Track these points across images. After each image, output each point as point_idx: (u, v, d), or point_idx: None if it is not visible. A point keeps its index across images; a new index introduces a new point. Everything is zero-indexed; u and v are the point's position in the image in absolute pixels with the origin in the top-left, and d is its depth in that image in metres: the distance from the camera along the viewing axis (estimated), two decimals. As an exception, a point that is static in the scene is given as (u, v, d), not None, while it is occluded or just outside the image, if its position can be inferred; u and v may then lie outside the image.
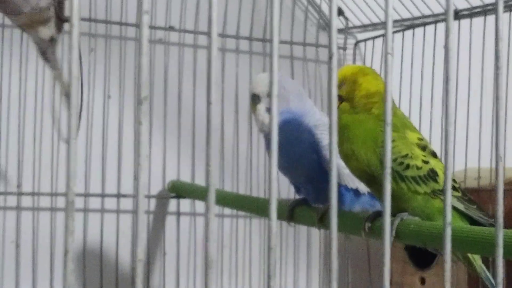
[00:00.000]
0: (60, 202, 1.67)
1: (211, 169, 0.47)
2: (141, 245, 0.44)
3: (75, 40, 0.42)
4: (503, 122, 0.50)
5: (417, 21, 1.72)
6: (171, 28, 1.78)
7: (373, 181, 1.07)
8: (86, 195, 1.69)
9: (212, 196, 0.47)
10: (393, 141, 1.06)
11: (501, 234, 0.61)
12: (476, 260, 1.11)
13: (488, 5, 1.57)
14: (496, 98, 0.50)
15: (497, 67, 0.50)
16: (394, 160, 1.05)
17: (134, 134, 1.74)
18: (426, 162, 1.07)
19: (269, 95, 1.21)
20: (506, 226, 1.22)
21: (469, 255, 1.10)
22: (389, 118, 0.48)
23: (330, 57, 0.53)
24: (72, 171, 0.43)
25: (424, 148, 1.08)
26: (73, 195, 0.43)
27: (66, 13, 1.30)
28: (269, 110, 1.23)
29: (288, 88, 1.26)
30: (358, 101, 1.09)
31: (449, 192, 0.53)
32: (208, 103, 0.47)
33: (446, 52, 0.50)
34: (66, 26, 1.34)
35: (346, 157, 1.09)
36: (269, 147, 1.25)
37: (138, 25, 1.73)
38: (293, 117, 1.24)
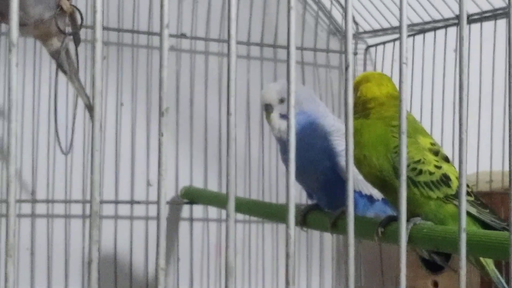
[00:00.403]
0: (75, 209, 1.68)
1: (231, 178, 0.47)
2: (162, 253, 0.45)
3: (98, 54, 0.43)
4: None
5: (427, 26, 1.73)
6: (183, 35, 1.79)
7: (386, 186, 1.08)
8: (100, 202, 1.70)
9: (232, 205, 0.48)
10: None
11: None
12: (489, 264, 1.11)
13: (498, 9, 1.58)
14: (509, 103, 0.51)
15: (509, 73, 0.51)
16: (407, 166, 1.06)
17: (146, 141, 1.75)
18: (439, 167, 1.07)
19: (282, 101, 1.23)
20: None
21: (482, 259, 1.10)
22: (404, 126, 0.49)
23: (346, 68, 0.53)
24: (96, 180, 0.44)
25: (436, 153, 1.08)
26: (97, 204, 0.44)
27: (63, 26, 1.31)
28: (283, 116, 1.25)
29: (298, 91, 1.27)
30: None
31: (463, 197, 0.54)
32: (228, 114, 0.48)
33: (460, 59, 0.51)
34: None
35: (358, 162, 1.10)
36: (284, 152, 1.27)
37: (149, 33, 1.75)
38: (308, 120, 1.25)
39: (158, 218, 0.45)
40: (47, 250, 1.66)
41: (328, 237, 1.88)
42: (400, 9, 0.49)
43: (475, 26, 1.62)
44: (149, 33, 1.75)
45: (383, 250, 1.88)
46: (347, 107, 0.49)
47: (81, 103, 1.45)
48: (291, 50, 0.50)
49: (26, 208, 1.65)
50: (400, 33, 0.48)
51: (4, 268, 0.44)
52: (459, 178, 0.60)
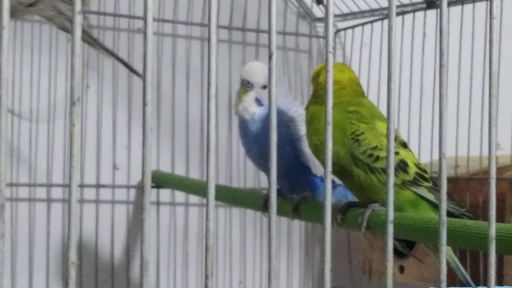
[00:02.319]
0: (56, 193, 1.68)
1: (210, 163, 0.46)
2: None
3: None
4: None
5: (396, 10, 1.71)
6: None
7: (344, 173, 1.07)
8: (65, 186, 1.69)
9: (211, 192, 0.47)
10: (362, 133, 1.06)
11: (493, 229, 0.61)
12: (448, 251, 1.11)
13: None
14: (489, 90, 0.50)
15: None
16: (363, 152, 1.06)
17: (112, 123, 1.74)
18: (396, 153, 1.07)
19: (265, 87, 1.22)
20: (484, 215, 1.22)
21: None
22: (392, 133, 0.47)
23: (327, 58, 0.52)
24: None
25: (394, 139, 1.08)
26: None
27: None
28: (257, 100, 1.24)
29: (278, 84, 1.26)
30: (319, 94, 1.10)
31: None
32: (209, 95, 0.46)
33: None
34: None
35: (316, 149, 1.09)
36: (244, 135, 1.25)
37: (116, 15, 1.73)
38: (265, 108, 1.24)
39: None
40: (29, 235, 1.66)
41: (296, 221, 1.88)
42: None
43: (456, 9, 1.61)
44: (115, 15, 1.73)
45: (351, 234, 1.88)
46: (327, 99, 0.48)
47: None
48: (272, 46, 0.48)
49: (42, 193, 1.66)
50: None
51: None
52: (439, 167, 0.58)
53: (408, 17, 1.70)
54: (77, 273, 1.40)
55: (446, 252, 1.10)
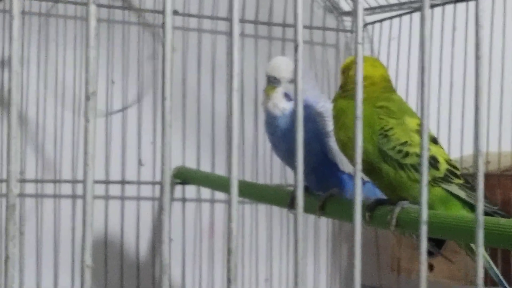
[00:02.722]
0: (64, 189, 1.67)
1: (233, 160, 0.44)
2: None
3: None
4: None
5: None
6: (175, 12, 1.76)
7: (372, 169, 1.05)
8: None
9: (234, 189, 0.45)
10: (391, 128, 1.04)
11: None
12: None
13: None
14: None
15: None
16: (392, 148, 1.03)
17: (137, 119, 1.72)
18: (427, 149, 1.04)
19: (292, 82, 1.19)
20: (508, 213, 1.19)
21: (472, 245, 1.07)
22: (426, 112, 0.45)
23: (356, 50, 0.50)
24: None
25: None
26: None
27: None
28: (286, 95, 1.22)
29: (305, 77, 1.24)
30: (348, 88, 1.08)
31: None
32: (231, 90, 0.44)
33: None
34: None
35: (343, 145, 1.07)
36: (272, 133, 1.23)
37: (142, 10, 1.71)
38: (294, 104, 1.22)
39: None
40: (36, 231, 1.65)
41: (323, 218, 1.85)
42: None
43: (472, 4, 1.58)
44: (141, 10, 1.72)
45: (380, 232, 1.85)
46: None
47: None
48: (298, 41, 0.46)
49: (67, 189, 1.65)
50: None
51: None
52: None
53: (438, 10, 1.67)
54: (102, 270, 1.39)
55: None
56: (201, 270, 1.79)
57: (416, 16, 1.72)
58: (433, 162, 1.04)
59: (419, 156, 1.03)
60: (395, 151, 1.03)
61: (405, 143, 1.03)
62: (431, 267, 1.66)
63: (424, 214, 0.50)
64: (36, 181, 1.64)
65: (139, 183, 1.73)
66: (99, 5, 1.67)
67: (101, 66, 1.68)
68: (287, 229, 1.84)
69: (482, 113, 0.49)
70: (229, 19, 1.76)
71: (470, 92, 1.58)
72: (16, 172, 0.40)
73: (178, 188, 1.77)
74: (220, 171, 1.78)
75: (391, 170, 1.03)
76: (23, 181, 1.62)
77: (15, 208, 0.40)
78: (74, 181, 1.67)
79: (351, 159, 1.07)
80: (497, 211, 1.06)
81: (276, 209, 1.80)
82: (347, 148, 1.06)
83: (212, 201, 1.80)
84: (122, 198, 1.72)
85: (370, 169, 1.05)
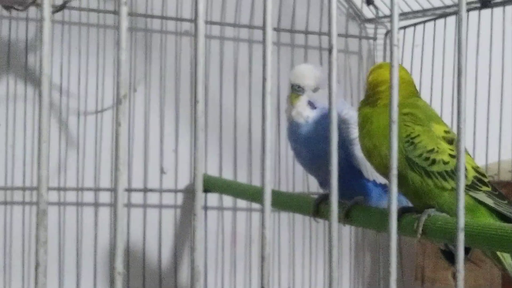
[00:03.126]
0: (87, 197, 1.67)
1: (266, 169, 0.43)
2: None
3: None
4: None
5: (449, 10, 1.67)
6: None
7: (398, 177, 1.03)
8: (112, 190, 1.68)
9: (268, 197, 0.44)
10: (417, 135, 1.02)
11: None
12: (505, 257, 1.06)
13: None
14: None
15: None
16: (419, 156, 1.02)
17: (160, 127, 1.72)
18: (453, 156, 1.02)
19: (316, 89, 1.19)
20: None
21: (498, 253, 1.06)
22: (463, 116, 0.44)
23: (392, 52, 0.49)
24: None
25: (451, 141, 1.04)
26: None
27: None
28: (310, 103, 1.21)
29: (324, 82, 1.23)
30: (368, 93, 1.07)
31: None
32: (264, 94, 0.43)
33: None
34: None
35: (368, 152, 1.06)
36: (295, 140, 1.22)
37: (163, 17, 1.71)
38: (322, 110, 1.21)
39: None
40: (76, 240, 1.65)
41: (346, 227, 1.84)
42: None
43: (498, 10, 1.57)
44: (162, 18, 1.72)
45: (403, 240, 1.84)
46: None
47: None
48: (333, 53, 0.46)
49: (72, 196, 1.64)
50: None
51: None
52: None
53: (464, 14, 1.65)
54: (124, 278, 1.38)
55: (504, 258, 1.06)
56: (223, 279, 1.78)
57: (440, 22, 1.71)
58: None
59: (446, 163, 1.02)
60: (421, 159, 1.01)
61: (432, 150, 1.02)
62: (455, 276, 1.64)
63: (461, 221, 0.49)
64: (58, 189, 1.64)
65: (161, 191, 1.73)
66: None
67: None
68: (309, 237, 1.83)
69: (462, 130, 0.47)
70: (251, 26, 1.76)
71: (495, 99, 1.57)
72: (46, 177, 0.39)
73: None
74: (242, 179, 1.77)
75: (418, 177, 1.02)
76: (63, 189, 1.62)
77: (46, 213, 0.39)
78: (96, 189, 1.66)
79: (377, 166, 1.06)
80: (524, 218, 1.04)
81: (298, 217, 1.79)
82: (372, 155, 1.05)
83: (235, 209, 1.79)
84: (144, 206, 1.71)
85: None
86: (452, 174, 1.02)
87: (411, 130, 1.03)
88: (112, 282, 0.40)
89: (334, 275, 0.44)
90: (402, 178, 1.03)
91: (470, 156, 1.07)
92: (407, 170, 1.02)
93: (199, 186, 0.41)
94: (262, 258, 0.42)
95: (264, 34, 0.44)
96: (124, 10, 0.39)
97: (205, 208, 1.76)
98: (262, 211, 0.43)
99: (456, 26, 1.65)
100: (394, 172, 0.46)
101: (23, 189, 1.61)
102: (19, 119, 1.61)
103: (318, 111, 1.21)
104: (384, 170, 1.05)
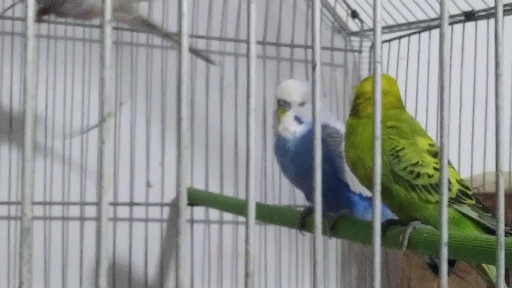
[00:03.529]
0: (73, 211, 1.66)
1: (250, 184, 0.43)
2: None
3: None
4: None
5: (433, 23, 1.68)
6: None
7: (382, 190, 1.03)
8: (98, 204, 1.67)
9: (252, 212, 0.44)
10: (402, 149, 1.03)
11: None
12: (491, 270, 1.07)
13: (506, 5, 1.53)
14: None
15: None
16: (404, 169, 1.02)
17: (146, 141, 1.72)
18: (438, 170, 1.03)
19: (302, 104, 1.20)
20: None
21: (485, 265, 1.06)
22: (445, 131, 0.45)
23: (375, 69, 0.49)
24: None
25: (435, 154, 1.04)
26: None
27: None
28: (297, 118, 1.22)
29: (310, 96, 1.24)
30: (353, 104, 1.08)
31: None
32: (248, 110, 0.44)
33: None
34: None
35: (353, 164, 1.06)
36: (282, 154, 1.23)
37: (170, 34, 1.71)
38: (308, 125, 1.21)
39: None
40: (62, 254, 1.64)
41: (332, 239, 1.84)
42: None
43: (482, 23, 1.58)
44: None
45: (389, 252, 1.84)
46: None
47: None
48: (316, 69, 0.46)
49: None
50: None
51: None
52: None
53: (446, 30, 1.66)
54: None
55: (490, 270, 1.07)
56: (210, 292, 1.78)
57: (425, 35, 1.72)
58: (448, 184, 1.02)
59: (430, 176, 1.02)
60: (406, 172, 1.02)
61: (416, 164, 1.02)
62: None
63: (445, 235, 0.49)
64: (44, 203, 1.64)
65: (147, 204, 1.72)
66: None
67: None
68: (295, 249, 1.83)
69: (502, 132, 0.48)
70: (237, 40, 1.77)
71: (479, 111, 1.58)
72: (30, 194, 0.39)
73: (187, 209, 1.76)
74: (229, 192, 1.77)
75: (402, 190, 1.02)
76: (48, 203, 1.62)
77: (30, 232, 0.39)
78: (82, 203, 1.66)
79: (361, 178, 1.06)
80: (510, 231, 1.05)
81: (284, 229, 1.79)
82: (357, 167, 1.05)
83: (221, 222, 1.79)
84: (130, 219, 1.71)
85: (380, 189, 1.03)
86: (437, 187, 1.02)
87: (396, 144, 1.03)
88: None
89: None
90: (386, 191, 1.03)
91: (454, 169, 1.07)
92: (392, 183, 1.02)
93: (184, 203, 0.42)
94: (246, 275, 0.42)
95: (248, 51, 0.44)
96: (109, 28, 0.39)
97: (192, 221, 1.76)
98: (246, 227, 0.44)
99: (438, 40, 1.66)
100: (378, 187, 0.47)
101: (8, 203, 1.60)
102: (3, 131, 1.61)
103: (305, 125, 1.22)
104: (368, 182, 1.05)
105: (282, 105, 1.22)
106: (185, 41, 0.43)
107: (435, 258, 1.20)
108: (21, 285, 0.38)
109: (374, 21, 0.45)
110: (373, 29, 1.64)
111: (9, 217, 1.60)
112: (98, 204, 1.51)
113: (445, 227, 0.50)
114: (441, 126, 0.48)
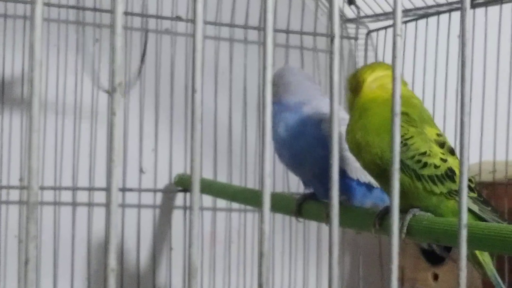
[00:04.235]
0: (65, 196, 1.65)
1: (266, 160, 0.42)
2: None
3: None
4: None
5: (431, 10, 1.67)
6: (178, 18, 1.74)
7: (384, 176, 1.01)
8: (91, 189, 1.66)
9: (267, 191, 0.42)
10: (411, 137, 1.00)
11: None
12: (487, 263, 1.06)
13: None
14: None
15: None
16: (411, 158, 0.99)
17: (139, 127, 1.70)
18: (445, 161, 1.01)
19: (289, 90, 1.18)
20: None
21: (480, 257, 1.05)
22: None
23: (394, 43, 0.47)
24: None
25: (442, 144, 1.02)
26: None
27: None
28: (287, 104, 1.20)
29: (291, 78, 1.22)
30: (361, 89, 1.04)
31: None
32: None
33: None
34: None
35: (358, 148, 1.03)
36: (274, 140, 1.21)
37: (144, 15, 1.69)
38: (299, 107, 1.20)
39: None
40: (53, 239, 1.63)
41: (325, 227, 1.83)
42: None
43: (480, 11, 1.57)
44: (143, 15, 1.70)
45: (383, 240, 1.83)
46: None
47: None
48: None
49: (15, 195, 1.61)
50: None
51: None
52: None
53: (443, 17, 1.65)
54: (102, 277, 1.37)
55: (486, 263, 1.05)
56: (202, 279, 1.76)
57: (422, 23, 1.71)
58: (450, 174, 1.01)
59: (437, 167, 1.00)
60: (413, 161, 0.99)
61: (424, 153, 1.00)
62: (435, 277, 1.64)
63: (464, 218, 0.48)
64: (54, 188, 1.62)
65: (140, 190, 1.71)
66: (101, 10, 1.66)
67: (103, 71, 1.66)
68: (289, 237, 1.82)
69: (466, 124, 0.46)
70: (232, 25, 1.75)
71: (476, 101, 1.57)
72: (37, 169, 0.38)
73: (180, 195, 1.75)
74: (222, 178, 1.76)
75: (407, 179, 1.00)
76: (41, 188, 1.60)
77: (36, 206, 0.38)
78: (91, 189, 1.65)
79: (366, 164, 1.03)
80: (498, 219, 1.03)
81: (278, 216, 1.78)
82: (363, 152, 1.02)
83: (214, 209, 1.77)
84: (123, 205, 1.69)
85: (382, 175, 1.02)
86: (442, 178, 1.00)
87: (405, 131, 1.00)
88: (105, 279, 0.38)
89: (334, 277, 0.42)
90: (388, 178, 1.01)
91: (459, 160, 1.06)
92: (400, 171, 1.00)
93: (197, 185, 0.40)
94: (261, 255, 0.40)
95: (265, 37, 0.42)
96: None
97: (185, 208, 1.75)
98: (261, 206, 0.42)
99: (437, 26, 1.65)
100: (397, 166, 0.45)
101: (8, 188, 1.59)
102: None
103: (294, 110, 1.20)
104: (371, 166, 1.03)
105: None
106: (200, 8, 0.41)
107: (435, 244, 1.19)
108: (27, 262, 0.37)
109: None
110: (370, 16, 1.62)
111: (8, 202, 1.59)
112: (90, 189, 1.48)
113: (465, 208, 0.48)
114: (462, 104, 0.46)
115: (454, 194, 1.00)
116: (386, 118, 0.98)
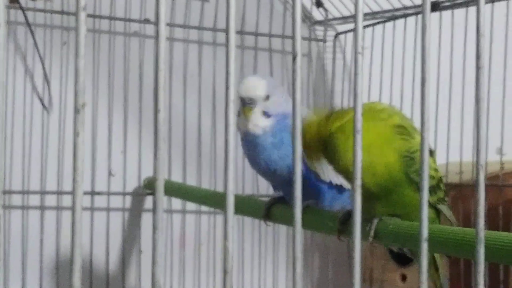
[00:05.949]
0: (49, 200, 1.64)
1: (229, 177, 0.42)
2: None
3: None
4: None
5: (398, 13, 1.68)
6: (147, 21, 1.74)
7: (385, 192, 0.98)
8: (59, 193, 1.65)
9: (230, 208, 0.43)
10: (416, 150, 0.96)
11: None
12: (441, 277, 1.07)
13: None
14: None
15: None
16: (415, 171, 0.97)
17: (108, 129, 1.70)
18: (436, 170, 1.01)
19: (267, 98, 1.17)
20: (489, 223, 1.18)
21: (437, 261, 1.06)
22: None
23: (356, 60, 0.48)
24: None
25: (431, 153, 1.02)
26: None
27: None
28: (266, 113, 1.19)
29: (279, 89, 1.23)
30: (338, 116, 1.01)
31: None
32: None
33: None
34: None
35: (348, 171, 0.98)
36: (252, 149, 1.21)
37: (112, 18, 1.69)
38: (277, 116, 1.20)
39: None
40: (21, 243, 1.62)
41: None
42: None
43: (446, 14, 1.58)
44: (111, 18, 1.69)
45: (351, 242, 1.84)
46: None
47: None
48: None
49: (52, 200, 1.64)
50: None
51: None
52: (419, 174, 0.54)
53: (410, 20, 1.66)
54: (69, 281, 1.35)
55: (439, 278, 1.06)
56: (172, 281, 1.76)
57: (389, 25, 1.72)
58: (440, 184, 1.01)
59: (432, 178, 0.99)
60: (416, 174, 0.96)
61: None
62: (403, 278, 1.66)
63: (425, 231, 0.49)
64: (22, 192, 1.61)
65: (108, 193, 1.70)
66: (68, 13, 1.65)
67: (70, 75, 1.65)
68: (258, 240, 1.83)
69: (484, 125, 0.47)
70: (201, 28, 1.75)
71: (443, 101, 1.58)
72: (2, 180, 0.38)
73: (149, 198, 1.75)
74: (191, 181, 1.76)
75: (411, 192, 0.97)
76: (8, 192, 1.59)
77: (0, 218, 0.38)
78: (58, 193, 1.64)
79: (369, 184, 0.97)
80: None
81: (247, 219, 1.78)
82: (366, 173, 0.93)
83: (184, 211, 1.77)
84: (92, 209, 1.69)
85: (386, 191, 0.99)
86: (436, 188, 1.01)
87: (410, 145, 0.97)
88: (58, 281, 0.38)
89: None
90: (394, 192, 0.98)
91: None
92: (405, 187, 0.97)
93: (160, 198, 0.40)
94: (225, 273, 0.40)
95: (227, 41, 0.43)
96: (83, 15, 0.37)
97: (154, 210, 1.74)
98: (224, 222, 0.42)
99: (404, 28, 1.66)
100: (358, 182, 0.45)
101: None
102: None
103: (272, 119, 1.19)
104: (377, 188, 0.98)
105: (247, 103, 1.19)
106: (162, 28, 0.41)
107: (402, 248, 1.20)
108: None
109: (356, 14, 0.44)
110: (338, 18, 1.62)
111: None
112: (58, 193, 1.47)
113: (426, 221, 0.49)
114: (422, 119, 0.47)
115: (438, 202, 1.01)
116: (382, 133, 0.97)
